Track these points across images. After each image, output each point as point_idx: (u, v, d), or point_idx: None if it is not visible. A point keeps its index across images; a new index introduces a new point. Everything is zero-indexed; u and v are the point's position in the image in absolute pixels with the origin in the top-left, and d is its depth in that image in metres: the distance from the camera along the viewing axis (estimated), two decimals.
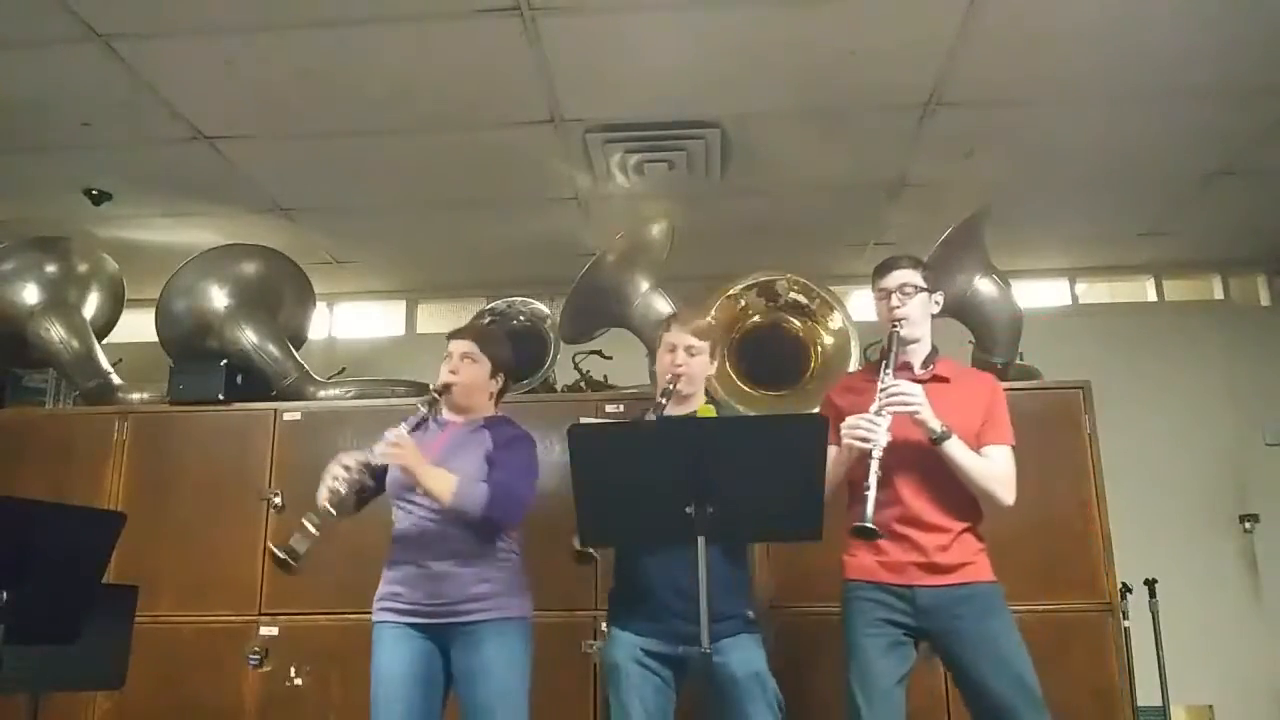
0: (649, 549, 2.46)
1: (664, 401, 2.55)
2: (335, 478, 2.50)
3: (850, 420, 2.41)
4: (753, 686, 2.44)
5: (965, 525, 2.48)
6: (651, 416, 2.50)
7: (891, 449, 2.37)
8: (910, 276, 2.58)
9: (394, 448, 2.49)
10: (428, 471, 2.51)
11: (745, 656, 2.46)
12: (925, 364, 2.58)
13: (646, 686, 2.45)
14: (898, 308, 2.54)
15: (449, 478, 2.52)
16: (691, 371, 2.63)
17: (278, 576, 3.43)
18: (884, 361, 2.48)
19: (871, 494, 2.30)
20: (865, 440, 2.35)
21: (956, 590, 2.42)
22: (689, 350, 2.62)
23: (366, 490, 2.62)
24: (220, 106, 3.83)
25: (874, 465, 2.33)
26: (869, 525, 2.30)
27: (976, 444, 2.48)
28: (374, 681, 2.54)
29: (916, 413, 2.40)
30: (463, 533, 2.56)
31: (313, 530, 2.45)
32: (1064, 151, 4.24)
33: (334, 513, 2.48)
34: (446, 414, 2.73)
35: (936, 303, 2.64)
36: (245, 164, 4.28)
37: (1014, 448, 2.52)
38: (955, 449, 2.41)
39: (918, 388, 2.44)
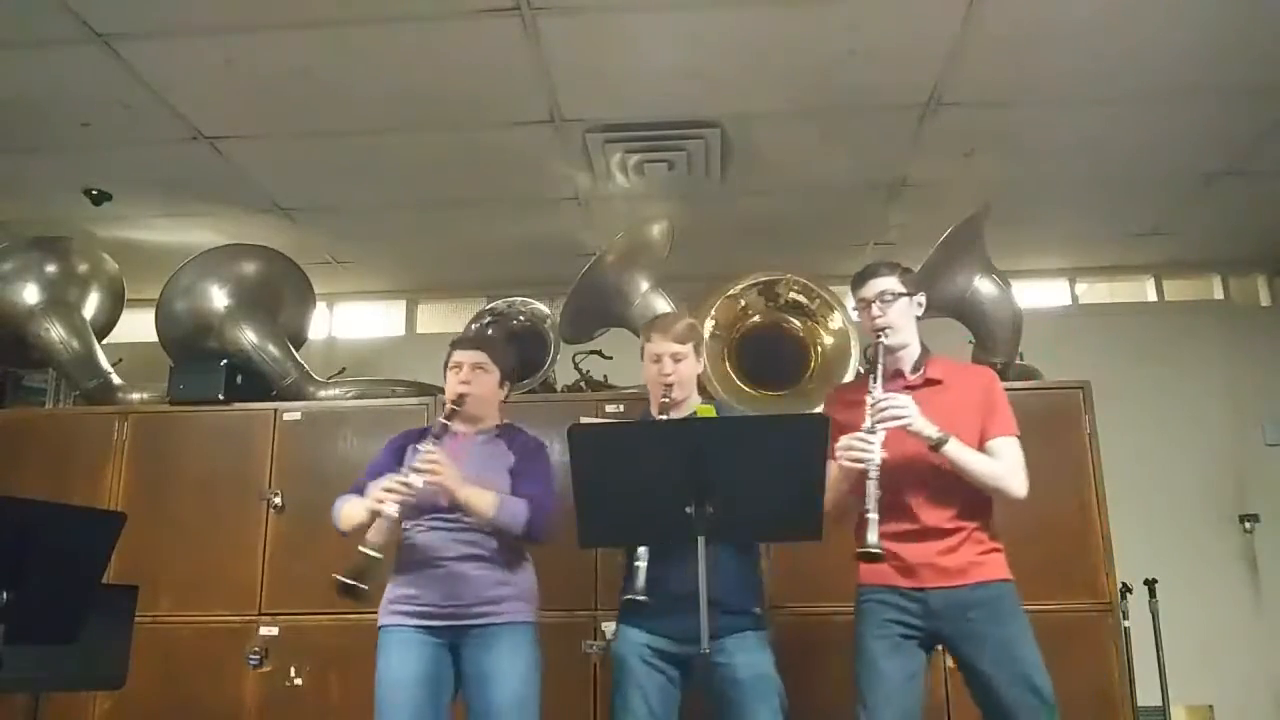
0: (658, 546, 2.46)
1: (665, 417, 2.54)
2: (383, 502, 2.44)
3: (844, 441, 2.36)
4: (758, 687, 2.44)
5: (974, 525, 2.45)
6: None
7: (892, 459, 2.34)
8: (888, 283, 2.53)
9: (433, 467, 2.46)
10: (469, 491, 2.50)
11: (750, 659, 2.46)
12: (916, 368, 2.55)
13: (651, 684, 2.47)
14: (879, 317, 2.51)
15: (488, 495, 2.52)
16: (681, 377, 2.63)
17: (278, 576, 3.44)
18: (871, 374, 2.45)
19: (873, 517, 2.27)
20: (860, 461, 2.32)
21: (969, 592, 2.40)
22: (674, 357, 2.62)
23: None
24: (220, 106, 3.82)
25: (872, 486, 2.29)
26: (873, 550, 2.27)
27: (981, 439, 2.45)
28: (380, 685, 2.50)
29: (909, 425, 2.36)
30: (480, 535, 2.56)
31: (375, 554, 2.41)
32: (1064, 151, 4.24)
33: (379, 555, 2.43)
34: (454, 424, 2.70)
35: (919, 304, 2.60)
36: (245, 164, 4.27)
37: (1019, 436, 2.48)
38: (956, 451, 2.38)
39: (906, 398, 2.40)
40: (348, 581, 2.38)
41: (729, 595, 2.45)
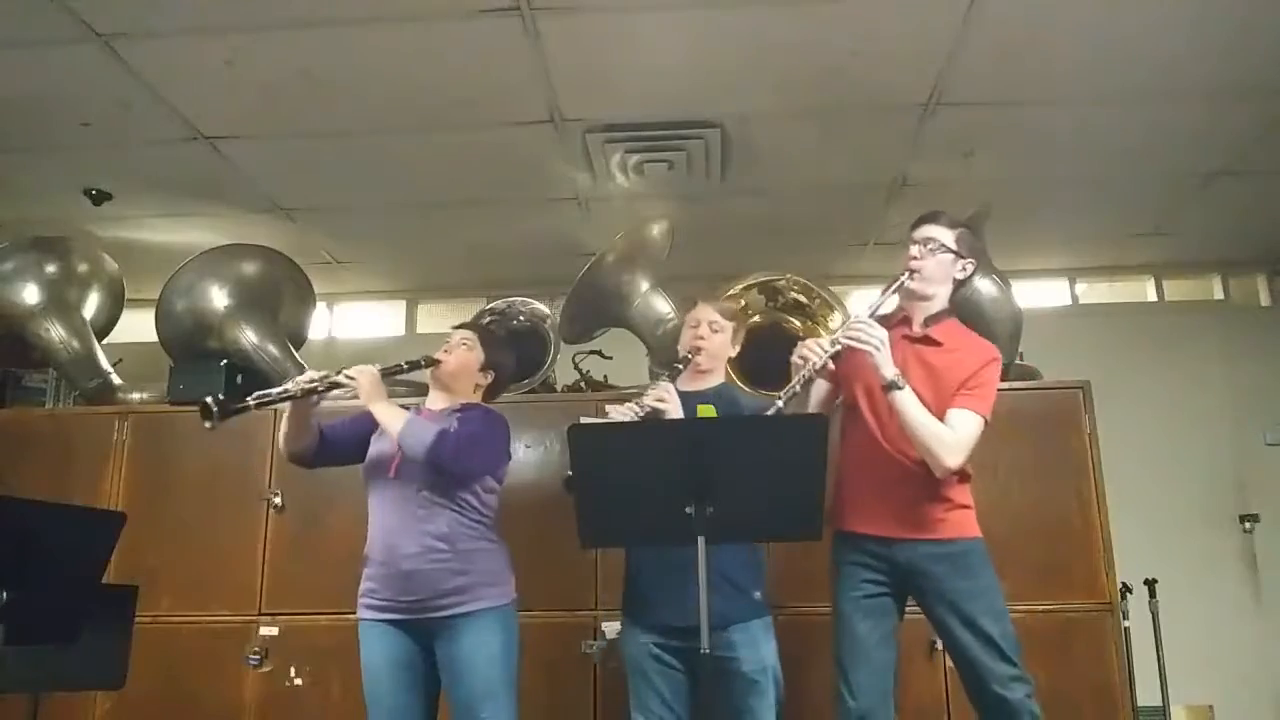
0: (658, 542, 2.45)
1: (680, 367, 2.58)
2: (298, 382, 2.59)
3: (799, 349, 2.43)
4: (759, 682, 2.45)
5: (942, 480, 2.41)
6: (667, 383, 2.52)
7: (871, 398, 2.41)
8: (940, 234, 2.53)
9: (359, 372, 2.55)
10: (384, 405, 2.56)
11: (755, 654, 2.46)
12: (925, 324, 2.52)
13: (663, 680, 2.48)
14: (915, 259, 2.51)
15: (402, 413, 2.56)
16: (712, 347, 2.66)
17: (278, 576, 3.44)
18: (883, 294, 2.47)
19: (795, 390, 2.38)
20: (805, 359, 2.40)
21: (933, 546, 2.39)
22: (712, 325, 2.66)
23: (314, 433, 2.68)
24: (220, 106, 3.82)
25: (797, 384, 2.39)
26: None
27: (947, 406, 2.41)
28: (364, 677, 2.58)
29: (873, 354, 2.36)
30: (432, 526, 2.54)
31: (251, 403, 2.54)
32: (1064, 151, 4.24)
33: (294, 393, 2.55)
34: (429, 400, 2.77)
35: (964, 269, 2.56)
36: (245, 164, 4.27)
37: (986, 421, 2.42)
38: (904, 401, 2.36)
39: (883, 331, 2.40)
40: (211, 404, 2.51)
41: (727, 578, 2.44)
